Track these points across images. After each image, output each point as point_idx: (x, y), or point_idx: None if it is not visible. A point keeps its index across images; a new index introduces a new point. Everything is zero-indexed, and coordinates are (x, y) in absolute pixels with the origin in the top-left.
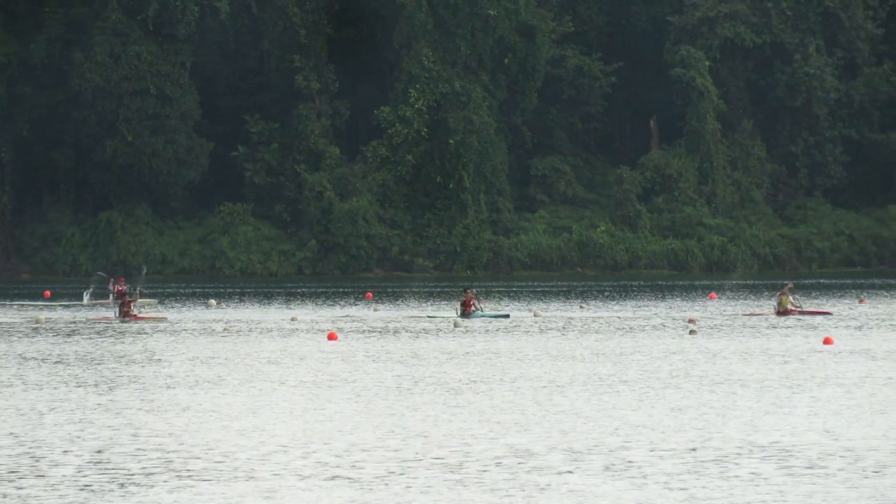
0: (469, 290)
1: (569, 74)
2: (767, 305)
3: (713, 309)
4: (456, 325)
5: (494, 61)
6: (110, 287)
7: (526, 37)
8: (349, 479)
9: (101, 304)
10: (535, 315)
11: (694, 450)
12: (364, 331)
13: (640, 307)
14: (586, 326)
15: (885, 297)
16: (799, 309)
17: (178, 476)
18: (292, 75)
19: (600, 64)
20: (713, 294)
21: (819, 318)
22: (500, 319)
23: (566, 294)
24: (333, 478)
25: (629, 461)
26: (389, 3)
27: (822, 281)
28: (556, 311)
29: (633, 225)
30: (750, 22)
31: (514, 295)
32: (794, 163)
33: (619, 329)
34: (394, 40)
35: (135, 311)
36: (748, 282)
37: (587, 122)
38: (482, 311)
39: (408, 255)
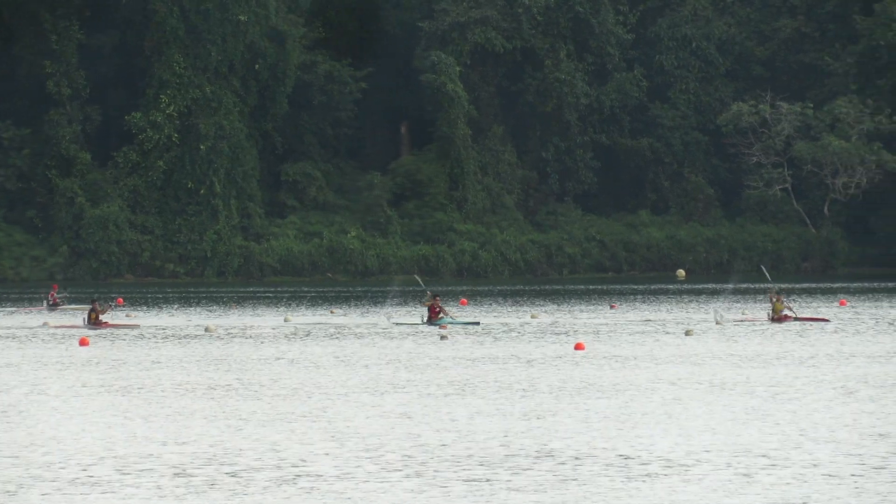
0: (437, 297)
1: (319, 80)
2: (760, 310)
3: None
4: (207, 329)
5: (245, 67)
6: (48, 297)
7: (276, 42)
8: (91, 483)
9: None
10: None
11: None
12: (119, 338)
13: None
14: (338, 332)
15: (636, 302)
16: (794, 315)
17: None
18: (43, 81)
19: (351, 69)
20: (464, 300)
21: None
22: (470, 326)
23: (318, 300)
24: (79, 482)
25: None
26: (141, 8)
27: (573, 287)
28: (306, 318)
29: (383, 230)
30: (500, 27)
31: (265, 301)
32: (544, 168)
33: (366, 335)
34: (145, 46)
35: (104, 319)
36: (502, 287)
37: (337, 127)
38: (453, 318)
39: (159, 260)
